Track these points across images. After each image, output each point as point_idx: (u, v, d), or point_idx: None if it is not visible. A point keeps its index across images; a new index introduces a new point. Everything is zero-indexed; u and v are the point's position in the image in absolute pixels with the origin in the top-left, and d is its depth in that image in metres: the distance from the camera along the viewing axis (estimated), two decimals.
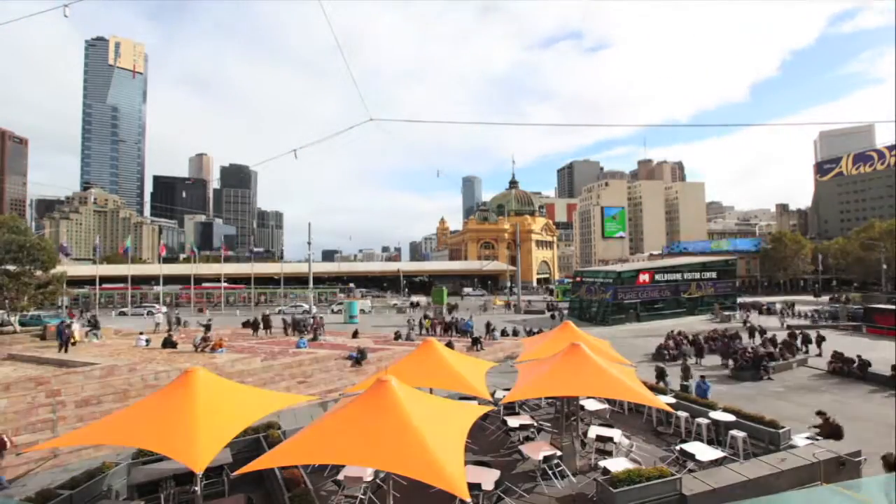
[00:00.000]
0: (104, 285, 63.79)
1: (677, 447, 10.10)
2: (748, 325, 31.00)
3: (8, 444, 10.70)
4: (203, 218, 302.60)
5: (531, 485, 9.36)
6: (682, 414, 12.20)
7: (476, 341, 25.72)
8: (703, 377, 15.73)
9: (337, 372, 20.23)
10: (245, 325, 32.62)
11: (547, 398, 14.34)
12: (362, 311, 50.74)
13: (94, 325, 26.86)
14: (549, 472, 9.46)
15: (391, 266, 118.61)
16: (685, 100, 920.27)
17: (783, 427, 10.63)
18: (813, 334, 25.46)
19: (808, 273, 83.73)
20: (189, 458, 6.10)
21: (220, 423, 6.81)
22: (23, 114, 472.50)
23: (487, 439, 12.07)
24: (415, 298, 68.51)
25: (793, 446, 10.17)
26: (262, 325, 29.33)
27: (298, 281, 74.26)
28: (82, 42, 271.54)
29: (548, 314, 47.41)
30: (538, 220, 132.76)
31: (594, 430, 10.85)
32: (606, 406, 13.26)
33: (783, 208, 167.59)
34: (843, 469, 9.19)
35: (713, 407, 12.20)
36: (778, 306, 44.83)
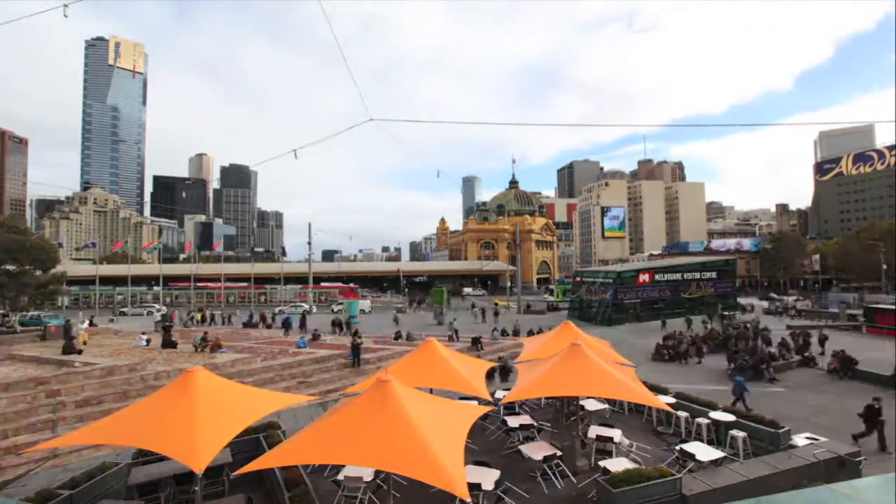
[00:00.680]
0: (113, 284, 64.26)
1: (677, 447, 10.09)
2: (751, 325, 30.87)
3: None
4: (203, 218, 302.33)
5: (531, 485, 9.36)
6: (683, 414, 12.21)
7: (476, 341, 25.70)
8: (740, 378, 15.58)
9: (337, 372, 20.24)
10: (245, 325, 32.72)
11: (547, 398, 14.35)
12: (362, 311, 50.73)
13: (91, 324, 26.90)
14: (549, 472, 9.47)
15: (391, 266, 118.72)
16: (720, 92, 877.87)
17: (783, 427, 10.61)
18: (815, 334, 25.42)
19: (808, 273, 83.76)
20: (189, 459, 6.10)
21: (220, 424, 6.81)
22: (22, 113, 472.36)
23: (487, 439, 12.08)
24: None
25: (793, 446, 10.17)
26: (260, 324, 29.36)
27: (298, 281, 74.46)
28: (82, 42, 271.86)
29: (548, 315, 47.45)
30: (538, 220, 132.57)
31: (594, 430, 10.85)
32: (606, 406, 13.26)
33: (783, 208, 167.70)
34: (843, 469, 9.21)
35: (713, 407, 12.21)
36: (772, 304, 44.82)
